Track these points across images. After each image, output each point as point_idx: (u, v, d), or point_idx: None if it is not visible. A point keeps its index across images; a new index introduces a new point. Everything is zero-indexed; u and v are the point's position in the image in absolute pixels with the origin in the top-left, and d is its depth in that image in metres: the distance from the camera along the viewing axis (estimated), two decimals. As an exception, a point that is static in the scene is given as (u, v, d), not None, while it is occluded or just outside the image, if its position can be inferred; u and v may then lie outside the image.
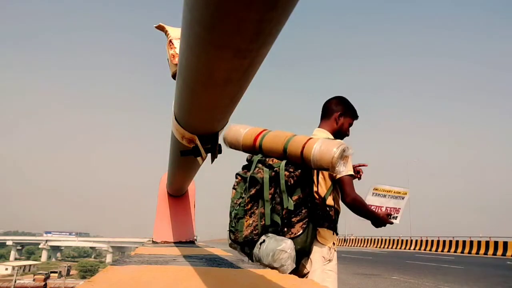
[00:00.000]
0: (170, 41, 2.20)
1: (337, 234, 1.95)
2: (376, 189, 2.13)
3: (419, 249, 24.24)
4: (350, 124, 2.05)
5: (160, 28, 2.34)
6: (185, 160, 2.73)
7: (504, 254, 18.49)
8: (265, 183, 1.68)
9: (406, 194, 2.17)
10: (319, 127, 2.05)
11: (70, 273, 58.33)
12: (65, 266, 59.43)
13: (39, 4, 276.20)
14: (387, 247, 27.79)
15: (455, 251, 21.25)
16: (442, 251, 22.19)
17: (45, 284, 37.28)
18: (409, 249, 25.26)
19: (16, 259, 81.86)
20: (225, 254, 3.16)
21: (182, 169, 3.49)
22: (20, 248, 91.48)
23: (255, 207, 1.70)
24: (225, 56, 1.03)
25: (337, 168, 1.53)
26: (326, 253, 1.86)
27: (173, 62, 2.12)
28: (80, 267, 62.50)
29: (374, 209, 2.02)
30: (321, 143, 1.57)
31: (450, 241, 22.36)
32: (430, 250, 23.31)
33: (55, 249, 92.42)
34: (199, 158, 2.17)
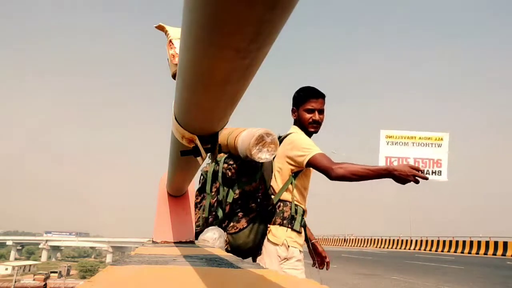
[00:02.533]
0: (170, 41, 2.20)
1: (297, 231, 1.81)
2: (390, 136, 1.69)
3: (419, 249, 24.24)
4: (309, 110, 1.87)
5: (160, 28, 2.34)
6: (185, 160, 2.73)
7: (504, 254, 18.49)
8: (208, 176, 1.75)
9: (442, 139, 1.65)
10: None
11: (70, 273, 58.37)
12: (65, 266, 59.46)
13: (37, 3, 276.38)
14: (387, 247, 27.79)
15: (455, 251, 21.26)
16: (442, 251, 22.20)
17: (45, 284, 37.29)
18: (409, 249, 25.26)
19: (16, 259, 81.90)
20: (225, 254, 3.16)
21: (182, 169, 3.49)
22: (20, 248, 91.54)
23: (203, 200, 1.81)
24: (225, 56, 1.03)
25: (254, 154, 1.42)
26: (282, 251, 1.78)
27: (173, 62, 2.12)
28: (80, 267, 62.54)
29: (393, 162, 1.65)
30: (246, 132, 1.51)
31: (450, 241, 22.37)
32: (430, 250, 23.31)
33: (55, 249, 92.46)
34: (199, 158, 2.17)
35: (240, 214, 1.70)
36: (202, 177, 1.81)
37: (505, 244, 18.99)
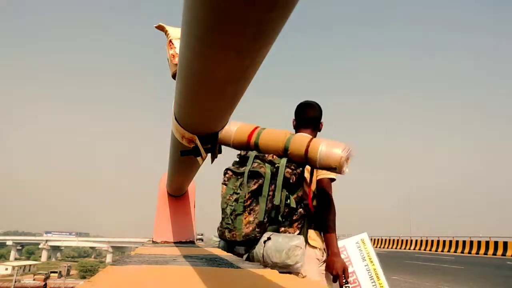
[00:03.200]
0: (170, 41, 2.20)
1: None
2: (364, 243, 1.90)
3: (419, 249, 24.23)
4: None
5: (160, 28, 2.34)
6: (185, 160, 2.73)
7: (504, 254, 18.49)
8: (266, 178, 1.62)
9: (381, 285, 1.87)
10: (300, 132, 1.97)
11: (70, 273, 58.35)
12: (65, 266, 59.46)
13: (35, 3, 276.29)
14: (387, 247, 27.78)
15: (455, 251, 21.25)
16: (442, 251, 22.19)
17: (45, 284, 37.28)
18: (409, 249, 25.25)
19: (16, 259, 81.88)
20: (225, 254, 3.16)
21: (182, 169, 3.49)
22: (20, 248, 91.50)
23: (255, 204, 1.62)
24: (225, 56, 1.03)
25: (343, 168, 1.53)
26: (320, 255, 1.83)
27: (173, 62, 2.12)
28: (80, 267, 62.52)
29: (344, 257, 1.82)
30: (326, 144, 1.57)
31: (450, 241, 22.37)
32: (430, 250, 23.30)
33: (55, 249, 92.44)
34: (199, 158, 2.17)
35: (293, 218, 1.67)
36: (234, 176, 1.69)
37: (505, 244, 18.99)
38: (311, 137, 1.66)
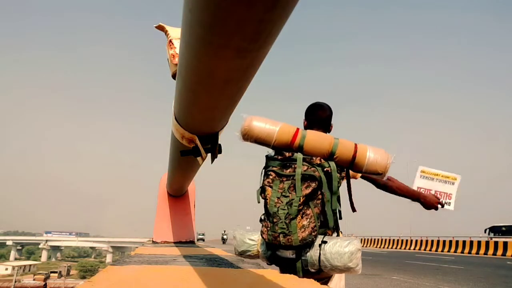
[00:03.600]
0: (170, 41, 2.20)
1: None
2: (424, 172, 2.16)
3: (419, 249, 24.23)
4: None
5: (160, 28, 2.34)
6: (185, 160, 2.73)
7: (504, 254, 18.48)
8: (323, 182, 1.58)
9: (455, 179, 2.15)
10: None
11: (70, 273, 58.30)
12: (65, 266, 59.40)
13: (35, 3, 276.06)
14: (387, 247, 27.78)
15: (455, 251, 21.23)
16: (442, 251, 22.18)
17: (45, 284, 37.25)
18: (409, 249, 25.25)
19: (16, 259, 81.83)
20: (225, 254, 3.15)
21: (182, 169, 3.49)
22: (20, 248, 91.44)
23: (306, 207, 1.57)
24: (225, 56, 1.03)
25: (387, 174, 1.63)
26: None
27: (173, 62, 2.12)
28: (80, 267, 62.47)
29: (422, 191, 2.06)
30: (373, 151, 1.65)
31: (450, 241, 22.34)
32: (430, 250, 23.30)
33: (55, 249, 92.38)
34: (199, 158, 2.17)
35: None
36: (277, 177, 1.63)
37: (505, 244, 18.97)
38: (355, 143, 1.66)
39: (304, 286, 1.48)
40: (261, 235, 1.63)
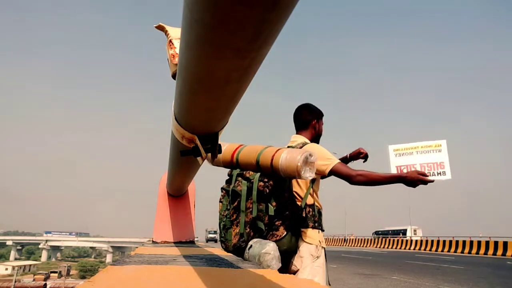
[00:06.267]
0: (170, 41, 2.20)
1: (322, 231, 2.05)
2: (397, 150, 2.04)
3: (419, 249, 24.24)
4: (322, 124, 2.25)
5: (160, 28, 2.34)
6: (185, 160, 2.73)
7: (504, 254, 18.49)
8: (242, 195, 1.84)
9: (440, 146, 2.00)
10: (297, 135, 2.19)
11: (70, 273, 58.35)
12: (65, 266, 59.47)
13: (35, 3, 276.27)
14: (387, 247, 27.80)
15: (455, 251, 21.25)
16: (442, 251, 22.19)
17: (45, 284, 37.30)
18: (409, 249, 25.27)
19: (16, 259, 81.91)
20: (225, 254, 3.16)
21: (182, 169, 3.49)
22: (20, 248, 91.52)
23: (239, 217, 1.87)
24: (225, 56, 1.03)
25: (302, 174, 1.64)
26: (313, 251, 1.98)
27: (173, 62, 2.12)
28: (80, 267, 62.54)
29: (403, 170, 1.98)
30: (286, 153, 1.71)
31: (450, 241, 22.36)
32: (430, 250, 23.31)
33: (55, 249, 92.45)
34: (199, 158, 2.17)
35: (277, 223, 1.88)
36: (226, 195, 1.94)
37: (505, 244, 18.99)
38: (278, 148, 1.79)
39: (304, 286, 1.49)
40: None
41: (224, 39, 0.90)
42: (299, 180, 2.00)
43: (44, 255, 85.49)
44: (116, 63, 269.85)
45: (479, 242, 20.56)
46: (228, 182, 1.96)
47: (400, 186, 1.91)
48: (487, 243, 20.06)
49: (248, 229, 1.85)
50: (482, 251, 19.90)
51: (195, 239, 5.61)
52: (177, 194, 5.48)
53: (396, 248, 26.85)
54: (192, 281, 1.57)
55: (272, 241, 1.89)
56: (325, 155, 2.00)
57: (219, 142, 2.09)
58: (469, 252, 20.36)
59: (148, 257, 2.43)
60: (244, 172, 1.88)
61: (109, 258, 79.14)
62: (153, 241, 5.31)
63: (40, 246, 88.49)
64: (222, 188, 1.96)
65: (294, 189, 2.03)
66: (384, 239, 29.70)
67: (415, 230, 34.16)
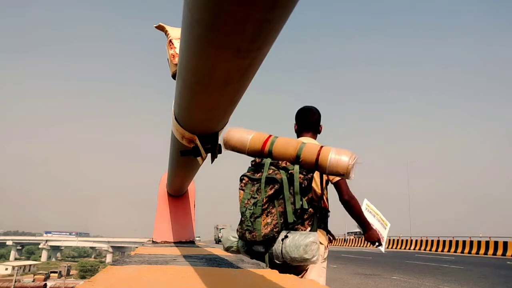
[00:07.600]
0: (170, 41, 2.20)
1: (329, 234, 2.13)
2: (368, 206, 2.36)
3: (419, 249, 24.24)
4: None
5: (160, 28, 2.35)
6: (185, 160, 2.74)
7: (504, 254, 18.48)
8: (284, 183, 1.78)
9: (387, 225, 2.40)
10: (302, 136, 2.25)
11: (70, 273, 58.33)
12: (65, 266, 59.46)
13: (35, 3, 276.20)
14: (387, 247, 27.78)
15: (455, 251, 21.24)
16: (442, 251, 22.19)
17: (45, 284, 37.28)
18: (409, 249, 25.26)
19: (16, 259, 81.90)
20: (225, 254, 3.16)
21: (182, 169, 3.49)
22: (20, 248, 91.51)
23: (271, 207, 1.79)
24: (225, 56, 1.03)
25: (350, 174, 1.68)
26: (323, 252, 2.04)
27: (173, 62, 2.13)
28: (80, 267, 62.50)
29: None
30: (335, 152, 1.72)
31: (450, 241, 22.35)
32: (430, 250, 23.31)
33: (55, 249, 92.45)
34: (199, 158, 2.17)
35: (305, 217, 1.87)
36: (249, 182, 1.86)
37: (505, 244, 18.98)
38: (320, 145, 1.79)
39: (304, 286, 1.49)
40: (236, 232, 1.88)
41: (224, 39, 0.90)
42: (314, 182, 2.05)
43: (44, 255, 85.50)
44: (116, 61, 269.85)
45: (479, 242, 20.54)
46: (254, 170, 1.88)
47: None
48: (487, 243, 20.05)
49: (282, 219, 1.79)
50: (482, 251, 19.89)
51: (196, 238, 5.62)
52: (177, 194, 5.49)
53: (396, 248, 26.85)
54: (192, 281, 1.57)
55: None
56: None
57: (219, 142, 2.09)
58: (469, 252, 20.35)
59: (148, 257, 2.42)
60: (279, 162, 1.83)
61: (109, 258, 79.12)
62: (153, 241, 5.32)
63: (40, 246, 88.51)
64: (245, 176, 1.87)
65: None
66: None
67: None
